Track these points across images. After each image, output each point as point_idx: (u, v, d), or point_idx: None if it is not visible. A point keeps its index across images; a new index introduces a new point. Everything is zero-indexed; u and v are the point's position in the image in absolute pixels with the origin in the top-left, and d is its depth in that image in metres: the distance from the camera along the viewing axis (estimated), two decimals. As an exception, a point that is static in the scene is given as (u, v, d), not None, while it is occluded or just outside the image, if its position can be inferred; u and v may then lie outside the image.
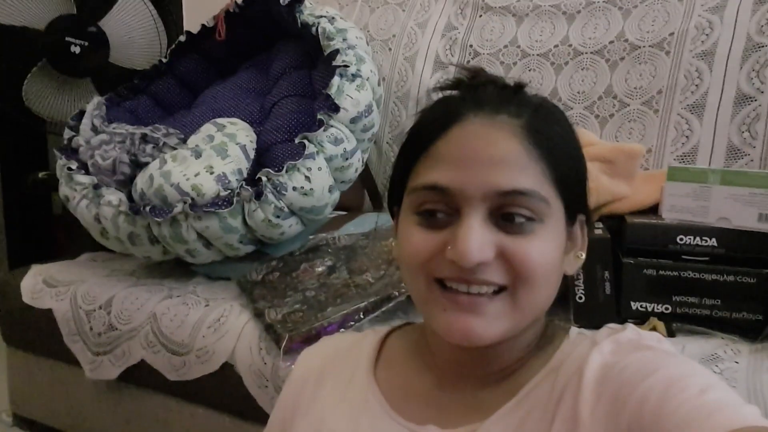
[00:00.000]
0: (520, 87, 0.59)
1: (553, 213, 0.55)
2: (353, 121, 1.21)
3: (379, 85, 1.32)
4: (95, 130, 1.42)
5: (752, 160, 1.23)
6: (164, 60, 1.66)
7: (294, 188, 1.12)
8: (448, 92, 0.61)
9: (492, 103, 0.56)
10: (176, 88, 1.68)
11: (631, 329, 0.56)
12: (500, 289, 0.53)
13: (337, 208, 1.31)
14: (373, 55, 1.60)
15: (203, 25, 1.62)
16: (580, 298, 0.98)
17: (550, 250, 0.54)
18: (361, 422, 0.60)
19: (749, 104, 1.24)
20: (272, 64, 1.56)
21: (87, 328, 1.20)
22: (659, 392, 0.47)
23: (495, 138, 0.54)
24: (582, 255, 0.60)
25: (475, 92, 0.58)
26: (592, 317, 0.97)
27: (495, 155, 0.53)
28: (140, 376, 1.16)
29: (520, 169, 0.53)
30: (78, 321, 1.21)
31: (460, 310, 0.53)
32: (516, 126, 0.54)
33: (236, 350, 1.02)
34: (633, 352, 0.52)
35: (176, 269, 1.29)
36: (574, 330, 0.61)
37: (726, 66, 1.27)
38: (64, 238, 2.04)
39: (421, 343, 0.65)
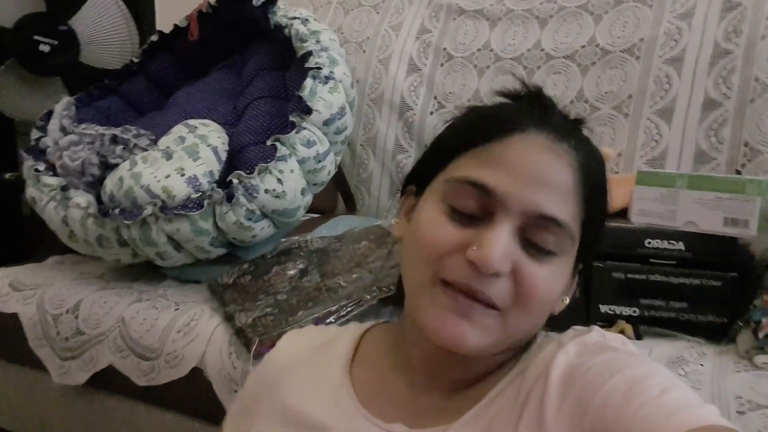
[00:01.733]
0: (579, 122, 0.61)
1: (571, 252, 0.56)
2: (326, 123, 1.20)
3: (352, 87, 1.32)
4: (64, 130, 1.39)
5: (719, 165, 1.25)
6: (136, 60, 1.64)
7: (266, 191, 1.12)
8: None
9: (557, 129, 0.57)
10: (148, 88, 1.66)
11: (596, 331, 0.58)
12: (494, 308, 0.53)
13: (310, 210, 1.30)
14: (346, 57, 1.61)
15: (176, 25, 1.60)
16: (550, 301, 0.99)
17: (556, 285, 0.56)
18: (331, 414, 0.61)
19: (716, 109, 1.26)
20: (245, 65, 1.55)
21: (54, 332, 1.18)
22: (621, 393, 0.48)
23: (555, 163, 0.55)
24: (566, 300, 0.61)
25: (542, 110, 0.58)
26: (561, 321, 0.98)
27: (551, 178, 0.54)
28: (109, 381, 1.14)
29: (566, 201, 0.54)
30: (45, 325, 1.19)
31: (456, 313, 0.53)
32: (573, 159, 0.56)
33: (206, 355, 1.01)
34: (597, 353, 0.54)
35: (146, 272, 1.27)
36: (542, 333, 0.62)
37: (694, 72, 1.30)
38: (33, 240, 2.00)
39: (398, 343, 0.65)
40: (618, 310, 0.98)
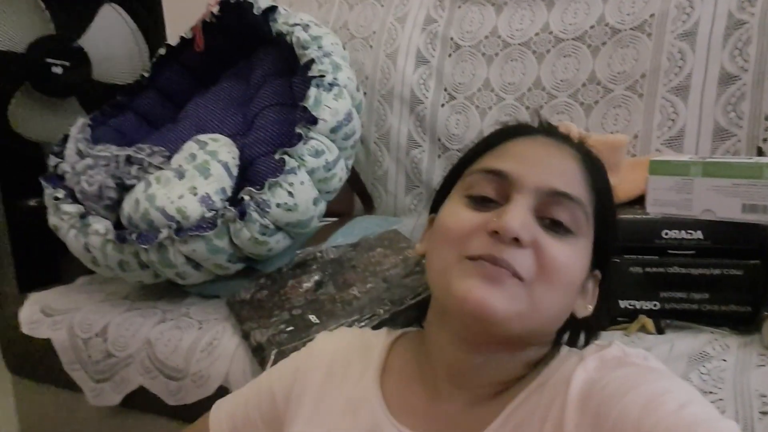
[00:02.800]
0: (582, 141, 0.67)
1: (587, 236, 0.59)
2: (333, 131, 1.20)
3: (358, 90, 1.30)
4: (80, 154, 1.42)
5: (740, 141, 1.21)
6: (146, 74, 1.65)
7: (278, 205, 1.12)
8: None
9: (560, 136, 0.65)
10: (160, 101, 1.67)
11: (616, 346, 0.59)
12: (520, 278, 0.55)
13: (326, 214, 1.30)
14: (354, 54, 1.60)
15: (182, 37, 1.61)
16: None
17: (576, 262, 0.58)
18: (360, 418, 0.63)
19: (734, 83, 1.22)
20: (252, 72, 1.55)
21: (85, 356, 1.21)
22: (639, 407, 0.48)
23: (557, 154, 0.61)
24: (590, 308, 0.64)
25: (546, 125, 0.68)
26: (582, 320, 0.97)
27: (557, 164, 0.59)
28: (142, 400, 1.17)
29: (575, 181, 0.59)
30: (76, 349, 1.22)
31: (483, 279, 0.54)
32: (576, 154, 0.62)
33: (230, 374, 1.03)
34: (616, 368, 0.54)
35: (169, 289, 1.29)
36: (565, 348, 0.63)
37: (708, 45, 1.25)
38: (66, 260, 2.05)
39: (423, 352, 0.67)
40: (638, 304, 0.96)
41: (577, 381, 0.54)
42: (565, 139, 0.65)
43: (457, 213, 0.59)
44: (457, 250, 0.56)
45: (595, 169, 0.63)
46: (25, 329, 1.30)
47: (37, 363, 1.32)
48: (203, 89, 1.65)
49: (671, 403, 0.48)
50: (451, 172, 0.68)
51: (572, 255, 0.57)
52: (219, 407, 0.76)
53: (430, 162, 1.55)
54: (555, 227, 0.56)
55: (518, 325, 0.56)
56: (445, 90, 1.55)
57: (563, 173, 0.58)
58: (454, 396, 0.61)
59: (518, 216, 0.54)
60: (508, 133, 0.65)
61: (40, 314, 1.31)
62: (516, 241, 0.54)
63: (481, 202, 0.58)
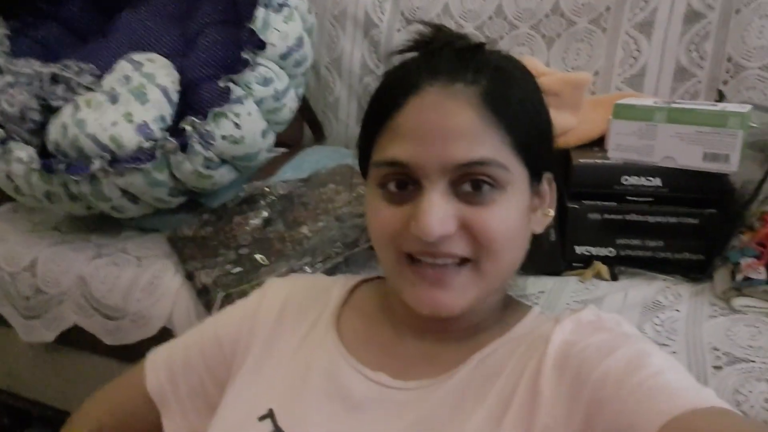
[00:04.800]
0: (477, 47, 0.57)
1: (515, 179, 0.55)
2: (283, 57, 1.11)
3: (309, 12, 1.21)
4: (-1, 69, 1.28)
5: (700, 82, 1.19)
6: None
7: (223, 137, 1.04)
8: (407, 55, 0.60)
9: (447, 71, 0.55)
10: (88, 11, 1.52)
11: (590, 309, 0.58)
12: (465, 261, 0.54)
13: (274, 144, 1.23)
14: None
15: (112, -63, 1.44)
16: (525, 245, 0.96)
17: (512, 218, 0.55)
18: (315, 361, 0.61)
19: (699, 22, 1.19)
20: (192, -16, 1.41)
21: (14, 291, 1.14)
22: (621, 369, 0.49)
23: (450, 109, 0.53)
24: (550, 212, 0.62)
25: (431, 59, 0.57)
26: (538, 264, 0.96)
27: (450, 128, 0.53)
28: (78, 338, 1.11)
29: (477, 139, 0.53)
30: (3, 283, 1.14)
31: (428, 284, 0.54)
32: (471, 95, 0.54)
33: (173, 315, 0.98)
34: (593, 333, 0.54)
35: (104, 221, 1.21)
36: (536, 308, 0.64)
37: (677, -21, 1.20)
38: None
39: (383, 297, 0.66)
40: (594, 251, 0.96)
41: (555, 341, 0.54)
42: (457, 72, 0.55)
43: (378, 211, 0.56)
44: (393, 248, 0.56)
45: (501, 93, 0.54)
46: (-56, 261, 1.20)
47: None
48: (137, 0, 1.50)
49: (652, 367, 0.48)
50: (362, 130, 0.61)
51: (503, 213, 0.54)
52: (155, 353, 0.72)
53: (384, 90, 1.47)
54: (476, 193, 0.53)
55: (478, 301, 0.56)
56: (402, 14, 1.46)
57: (462, 136, 0.53)
58: (417, 338, 0.61)
59: (433, 213, 0.52)
60: (397, 96, 0.55)
61: (-40, 245, 1.21)
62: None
63: (397, 193, 0.55)
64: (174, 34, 1.33)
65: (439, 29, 0.59)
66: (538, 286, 0.89)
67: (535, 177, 0.58)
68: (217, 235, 1.02)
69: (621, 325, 0.56)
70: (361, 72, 1.50)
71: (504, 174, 0.54)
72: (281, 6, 1.11)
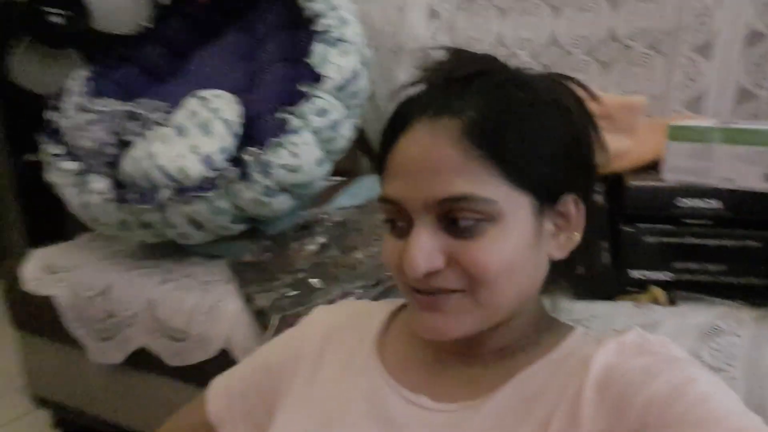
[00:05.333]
0: (471, 76, 0.55)
1: (509, 208, 0.53)
2: (339, 89, 1.16)
3: (366, 46, 1.25)
4: (80, 108, 1.38)
5: (761, 103, 1.16)
6: (148, 25, 1.60)
7: (281, 165, 1.09)
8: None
9: (436, 104, 0.54)
10: (163, 54, 1.62)
11: (635, 332, 0.56)
12: (458, 290, 0.54)
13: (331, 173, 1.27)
14: (360, 7, 1.53)
15: (185, -13, 1.55)
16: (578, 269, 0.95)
17: (508, 248, 0.53)
18: (358, 384, 0.62)
19: (761, 42, 1.16)
20: (257, 25, 1.49)
21: (88, 314, 1.21)
22: (664, 396, 0.47)
23: (432, 144, 0.53)
24: (577, 235, 0.58)
25: (425, 92, 0.56)
26: (592, 288, 0.95)
27: (430, 163, 0.52)
28: (145, 359, 1.16)
29: (456, 173, 0.52)
30: (78, 308, 1.22)
31: (425, 310, 0.55)
32: (454, 128, 0.52)
33: (232, 336, 1.02)
34: (637, 356, 0.53)
35: (172, 249, 1.28)
36: (580, 329, 0.62)
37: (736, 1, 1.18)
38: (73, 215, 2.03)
39: None
40: (650, 275, 0.93)
41: (597, 364, 0.53)
42: (443, 105, 0.53)
43: (386, 244, 0.57)
44: (401, 279, 0.57)
45: (489, 124, 0.52)
46: (28, 286, 1.29)
47: (42, 319, 1.32)
48: (207, 42, 1.60)
49: (696, 394, 0.47)
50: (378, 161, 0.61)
51: (495, 244, 0.52)
52: (216, 381, 0.75)
53: (440, 120, 1.50)
54: (464, 228, 0.52)
55: (479, 327, 0.56)
56: (457, 45, 1.48)
57: (440, 171, 0.52)
58: (457, 360, 0.61)
59: (417, 251, 0.52)
60: (393, 132, 0.56)
61: (44, 271, 1.30)
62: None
63: (398, 227, 0.56)
64: (240, 71, 1.40)
65: (455, 53, 0.58)
66: (590, 310, 0.88)
67: (547, 202, 0.55)
68: (275, 260, 1.06)
69: (668, 348, 0.54)
70: (417, 103, 1.53)
71: (491, 207, 0.52)
72: (338, 41, 1.16)
